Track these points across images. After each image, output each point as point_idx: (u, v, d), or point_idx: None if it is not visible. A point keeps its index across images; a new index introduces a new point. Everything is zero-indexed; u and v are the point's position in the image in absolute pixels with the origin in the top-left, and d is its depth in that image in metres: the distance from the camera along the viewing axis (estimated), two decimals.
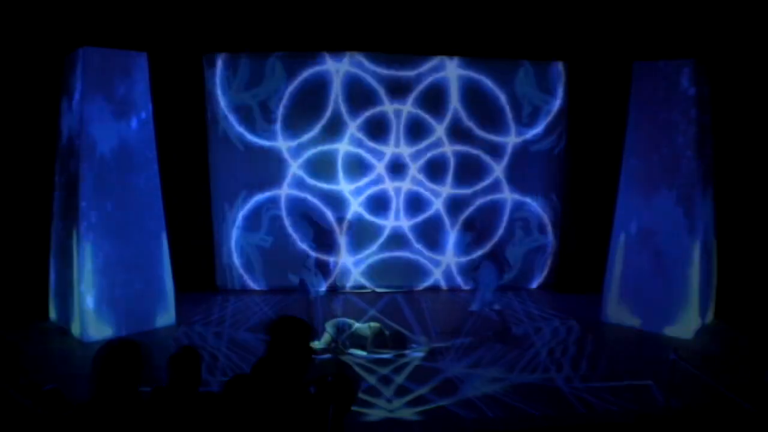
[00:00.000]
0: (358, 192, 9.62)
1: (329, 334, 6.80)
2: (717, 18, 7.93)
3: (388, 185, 9.69)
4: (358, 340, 6.90)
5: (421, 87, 9.49)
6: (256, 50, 9.12)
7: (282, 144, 9.39)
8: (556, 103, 9.73)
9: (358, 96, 9.43)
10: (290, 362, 2.77)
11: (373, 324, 6.97)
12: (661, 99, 7.67)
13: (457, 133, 9.60)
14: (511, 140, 9.71)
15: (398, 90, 9.46)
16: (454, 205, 9.75)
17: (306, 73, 9.31)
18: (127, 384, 3.03)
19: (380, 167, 9.61)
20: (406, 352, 6.87)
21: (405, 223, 9.75)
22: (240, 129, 9.34)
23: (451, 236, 9.73)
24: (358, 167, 9.58)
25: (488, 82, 9.59)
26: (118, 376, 3.01)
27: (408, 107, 9.53)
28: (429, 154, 9.63)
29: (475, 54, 9.38)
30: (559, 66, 9.65)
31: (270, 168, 9.45)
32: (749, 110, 8.14)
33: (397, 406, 5.63)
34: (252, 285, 9.65)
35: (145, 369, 3.15)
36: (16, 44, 7.70)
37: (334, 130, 9.45)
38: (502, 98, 9.59)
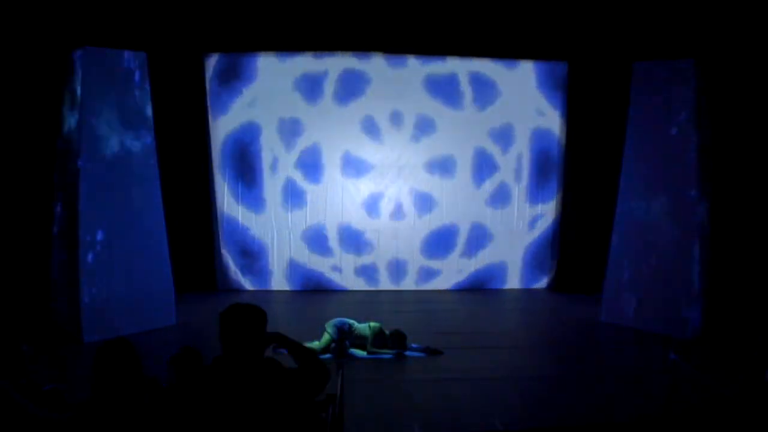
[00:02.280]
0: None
1: (329, 335, 6.79)
2: (716, 18, 7.93)
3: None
4: (358, 340, 6.89)
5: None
6: (257, 50, 9.13)
7: None
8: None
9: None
10: (244, 347, 2.78)
11: (373, 324, 6.96)
12: (660, 99, 7.67)
13: None
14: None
15: None
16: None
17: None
18: (125, 382, 3.03)
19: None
20: (406, 352, 6.86)
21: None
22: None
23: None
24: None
25: None
26: (115, 373, 3.01)
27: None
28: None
29: (474, 54, 9.39)
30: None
31: None
32: (749, 110, 8.14)
33: None
34: (253, 285, 9.67)
35: (139, 367, 3.14)
36: (16, 44, 7.70)
37: None
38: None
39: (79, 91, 7.10)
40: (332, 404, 3.75)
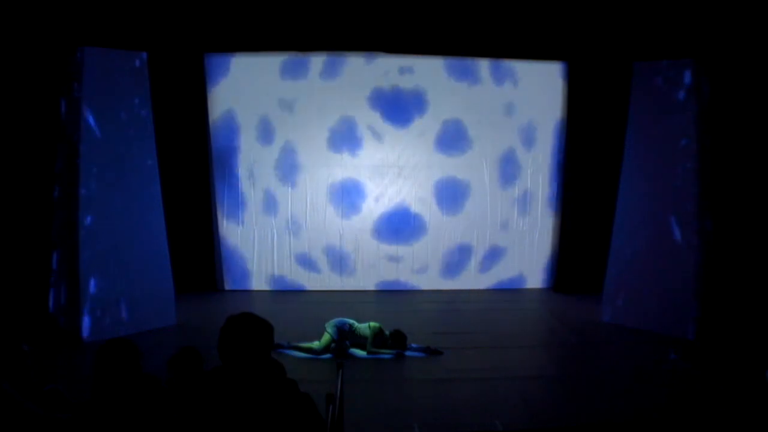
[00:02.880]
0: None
1: (329, 335, 6.80)
2: (717, 18, 7.92)
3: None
4: (358, 340, 6.90)
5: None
6: (258, 50, 9.13)
7: None
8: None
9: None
10: (246, 358, 2.71)
11: (372, 324, 6.96)
12: (661, 99, 7.67)
13: None
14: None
15: None
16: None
17: None
18: (126, 381, 3.03)
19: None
20: (406, 352, 6.86)
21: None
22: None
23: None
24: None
25: None
26: (116, 373, 3.01)
27: None
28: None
29: (472, 54, 9.37)
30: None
31: None
32: (749, 110, 8.13)
33: None
34: (253, 285, 9.67)
35: (139, 367, 3.14)
36: (17, 43, 7.69)
37: None
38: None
39: (79, 91, 7.10)
40: (332, 404, 3.75)
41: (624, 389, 5.91)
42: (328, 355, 6.73)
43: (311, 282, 9.72)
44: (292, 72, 9.32)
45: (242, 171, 9.45)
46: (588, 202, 9.42)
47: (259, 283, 9.67)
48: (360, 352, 6.86)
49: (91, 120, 7.12)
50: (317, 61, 9.30)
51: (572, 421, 5.28)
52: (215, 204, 9.48)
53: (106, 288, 7.24)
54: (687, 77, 7.48)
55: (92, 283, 7.15)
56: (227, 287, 9.59)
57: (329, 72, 9.35)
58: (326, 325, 6.88)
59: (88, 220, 7.12)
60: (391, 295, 9.51)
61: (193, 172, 9.22)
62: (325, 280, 9.73)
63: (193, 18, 8.48)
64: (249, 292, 9.48)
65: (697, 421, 4.99)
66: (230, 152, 9.41)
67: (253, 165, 9.44)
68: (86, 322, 7.11)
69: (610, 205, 8.27)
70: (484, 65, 9.54)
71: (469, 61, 9.49)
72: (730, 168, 8.18)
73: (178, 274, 8.15)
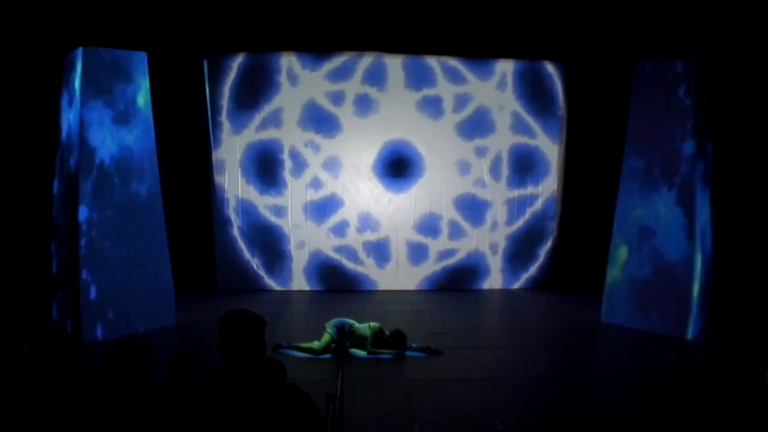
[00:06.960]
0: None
1: (329, 335, 6.80)
2: (717, 18, 7.93)
3: None
4: (358, 340, 6.90)
5: None
6: (258, 50, 9.14)
7: None
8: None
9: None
10: (242, 355, 2.73)
11: (373, 324, 6.96)
12: (661, 99, 7.67)
13: None
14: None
15: None
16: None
17: None
18: (135, 381, 3.02)
19: None
20: (407, 352, 6.86)
21: None
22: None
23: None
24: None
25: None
26: (127, 372, 3.00)
27: None
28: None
29: (472, 54, 9.39)
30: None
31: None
32: (749, 110, 8.15)
33: None
34: (253, 285, 9.68)
35: (150, 368, 3.14)
36: (16, 43, 7.70)
37: None
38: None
39: (78, 91, 7.10)
40: (332, 404, 3.75)
41: (624, 389, 5.92)
42: (328, 355, 6.73)
43: (311, 282, 9.73)
44: (292, 71, 9.34)
45: (242, 171, 9.45)
46: (588, 201, 9.42)
47: (259, 283, 9.67)
48: (360, 352, 6.86)
49: (90, 120, 7.11)
50: (317, 60, 9.32)
51: (572, 420, 5.28)
52: (215, 204, 9.49)
53: (106, 288, 7.23)
54: (687, 77, 7.48)
55: (92, 283, 7.14)
56: (227, 287, 9.60)
57: (331, 71, 9.38)
58: (326, 325, 6.88)
59: (88, 220, 7.10)
60: (391, 295, 9.51)
61: (193, 172, 9.22)
62: (325, 281, 9.73)
63: (193, 19, 8.49)
64: (249, 292, 9.48)
65: (697, 421, 4.99)
66: (230, 152, 9.42)
67: (252, 165, 9.45)
68: (87, 322, 7.10)
69: (610, 205, 8.28)
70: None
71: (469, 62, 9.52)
72: (730, 167, 8.20)
73: (178, 274, 8.16)
